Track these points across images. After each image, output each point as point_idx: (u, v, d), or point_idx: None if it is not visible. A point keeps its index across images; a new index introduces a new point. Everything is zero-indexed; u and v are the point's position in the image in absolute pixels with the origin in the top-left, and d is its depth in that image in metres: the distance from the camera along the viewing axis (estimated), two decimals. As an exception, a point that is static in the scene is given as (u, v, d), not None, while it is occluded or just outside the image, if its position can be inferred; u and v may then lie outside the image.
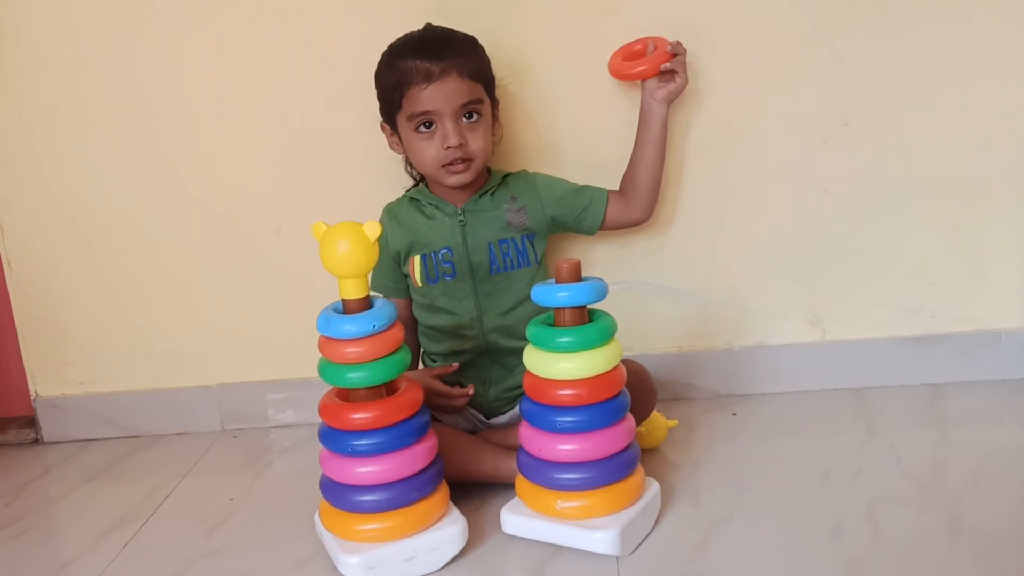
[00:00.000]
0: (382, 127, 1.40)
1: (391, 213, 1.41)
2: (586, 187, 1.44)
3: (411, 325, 1.43)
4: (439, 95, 1.29)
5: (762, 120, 1.49)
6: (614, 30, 1.46)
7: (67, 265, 1.60)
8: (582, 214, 1.42)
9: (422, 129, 1.32)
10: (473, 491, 1.29)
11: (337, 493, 1.16)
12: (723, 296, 1.56)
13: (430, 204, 1.39)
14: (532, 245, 1.39)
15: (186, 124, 1.54)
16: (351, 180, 1.54)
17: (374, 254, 1.13)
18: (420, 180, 1.45)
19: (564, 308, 1.14)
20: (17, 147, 1.56)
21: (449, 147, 1.31)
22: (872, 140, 1.49)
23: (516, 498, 1.20)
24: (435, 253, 1.37)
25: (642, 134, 1.43)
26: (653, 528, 1.20)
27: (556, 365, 1.14)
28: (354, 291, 1.13)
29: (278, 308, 1.59)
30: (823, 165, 1.50)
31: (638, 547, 1.16)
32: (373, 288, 1.40)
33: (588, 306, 1.16)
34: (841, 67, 1.46)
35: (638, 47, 1.43)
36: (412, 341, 1.44)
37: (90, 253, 1.60)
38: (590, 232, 1.44)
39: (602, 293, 1.15)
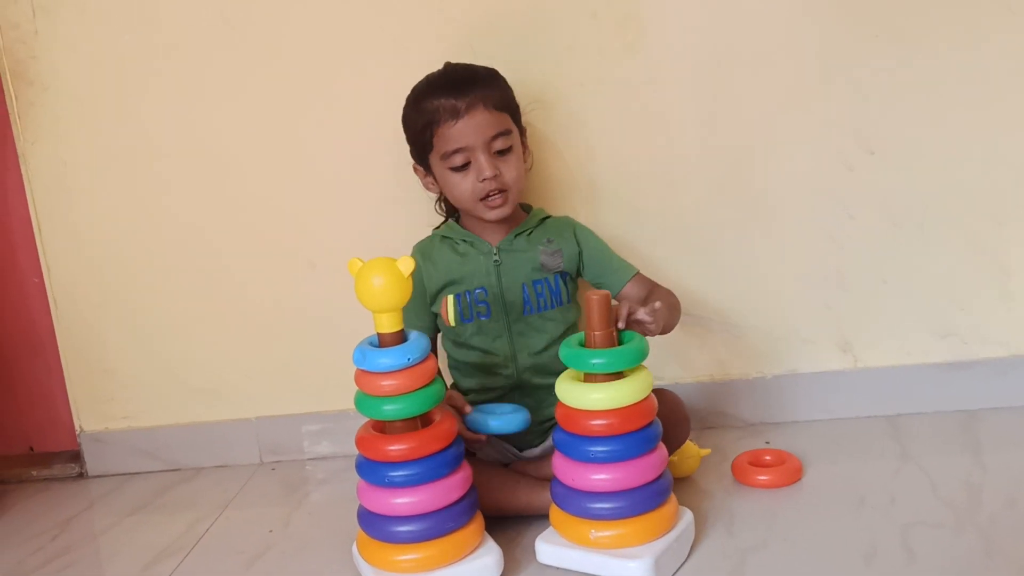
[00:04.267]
0: (415, 169, 1.42)
1: (424, 253, 1.41)
2: (618, 258, 1.43)
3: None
4: (468, 129, 1.31)
5: (786, 148, 1.50)
6: (637, 66, 1.49)
7: (109, 304, 1.64)
8: (603, 277, 1.41)
9: (456, 166, 1.33)
10: (508, 521, 1.30)
11: (374, 524, 1.18)
12: (753, 324, 1.56)
13: (463, 241, 1.39)
14: (565, 285, 1.40)
15: (222, 166, 1.58)
16: (383, 216, 1.56)
17: (408, 289, 1.15)
18: (448, 216, 1.46)
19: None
20: (61, 191, 1.60)
21: (484, 179, 1.32)
22: (897, 166, 1.49)
23: (550, 528, 1.21)
24: (469, 292, 1.37)
25: None
26: (688, 557, 1.20)
27: (588, 395, 1.15)
28: (389, 325, 1.16)
29: (313, 342, 1.62)
30: (849, 191, 1.51)
31: None
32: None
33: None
34: (863, 93, 1.47)
35: None
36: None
37: (131, 292, 1.64)
38: None
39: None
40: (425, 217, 1.51)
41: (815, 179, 1.51)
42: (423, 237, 1.45)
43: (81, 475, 1.70)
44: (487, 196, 1.33)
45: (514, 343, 1.38)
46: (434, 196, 1.46)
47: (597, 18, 1.49)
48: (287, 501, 1.51)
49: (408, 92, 1.38)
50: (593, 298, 1.15)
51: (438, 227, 1.46)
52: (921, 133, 1.48)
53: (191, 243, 1.61)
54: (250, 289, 1.62)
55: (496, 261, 1.38)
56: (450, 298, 1.36)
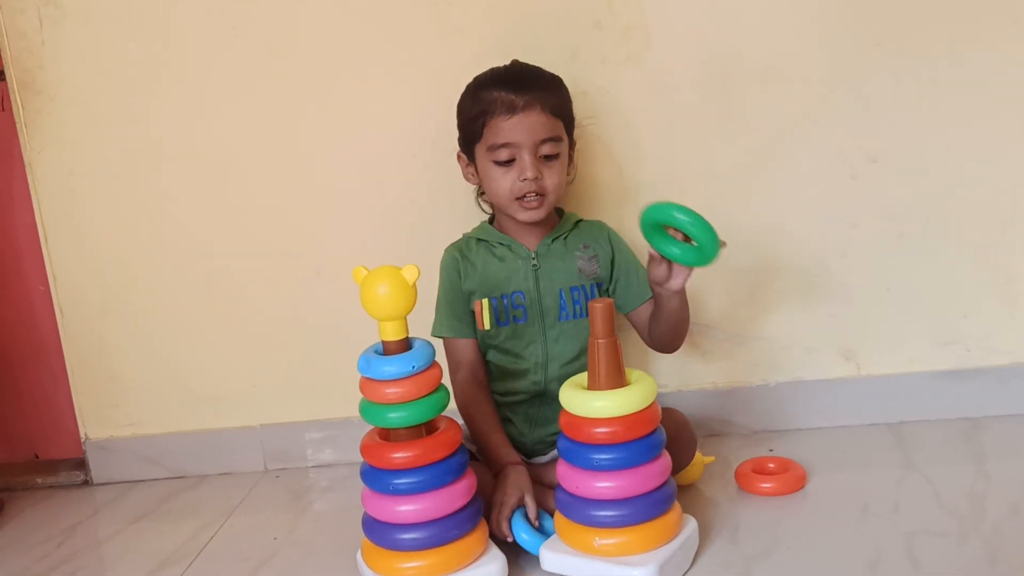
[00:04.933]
0: (458, 157, 1.41)
1: (461, 252, 1.40)
2: (645, 274, 1.40)
3: (485, 380, 1.39)
4: (521, 127, 1.31)
5: (790, 157, 1.51)
6: (642, 76, 1.49)
7: (115, 311, 1.65)
8: (627, 288, 1.41)
9: (500, 160, 1.33)
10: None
11: (379, 531, 1.18)
12: (756, 331, 1.56)
13: (500, 244, 1.39)
14: (600, 295, 1.39)
15: (228, 174, 1.59)
16: (389, 224, 1.57)
17: (413, 297, 1.16)
18: (490, 219, 1.44)
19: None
20: (67, 199, 1.61)
21: (525, 179, 1.31)
22: (901, 175, 1.50)
23: (555, 535, 1.21)
24: (506, 296, 1.37)
25: (658, 311, 1.35)
26: (692, 564, 1.20)
27: (592, 403, 1.15)
28: (393, 333, 1.16)
29: (318, 350, 1.62)
30: (852, 200, 1.51)
31: (677, 583, 1.17)
32: (442, 330, 1.39)
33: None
34: (866, 102, 1.48)
35: None
36: (489, 398, 1.38)
37: (136, 300, 1.64)
38: (619, 310, 1.41)
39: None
40: (432, 225, 1.52)
41: (818, 188, 1.51)
42: (429, 244, 1.44)
43: (86, 482, 1.70)
44: (524, 196, 1.33)
45: (548, 349, 1.37)
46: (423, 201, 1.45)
47: (601, 28, 1.49)
48: (291, 508, 1.52)
49: (425, 97, 1.38)
50: (597, 306, 1.16)
51: (472, 230, 1.43)
52: (924, 142, 1.49)
53: (196, 251, 1.62)
54: (255, 297, 1.62)
55: (535, 265, 1.38)
56: (485, 301, 1.35)
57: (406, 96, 1.43)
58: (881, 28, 1.46)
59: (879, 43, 1.46)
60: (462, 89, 1.39)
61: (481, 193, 1.44)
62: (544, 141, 1.32)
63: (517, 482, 1.25)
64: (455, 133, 1.41)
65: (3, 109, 1.62)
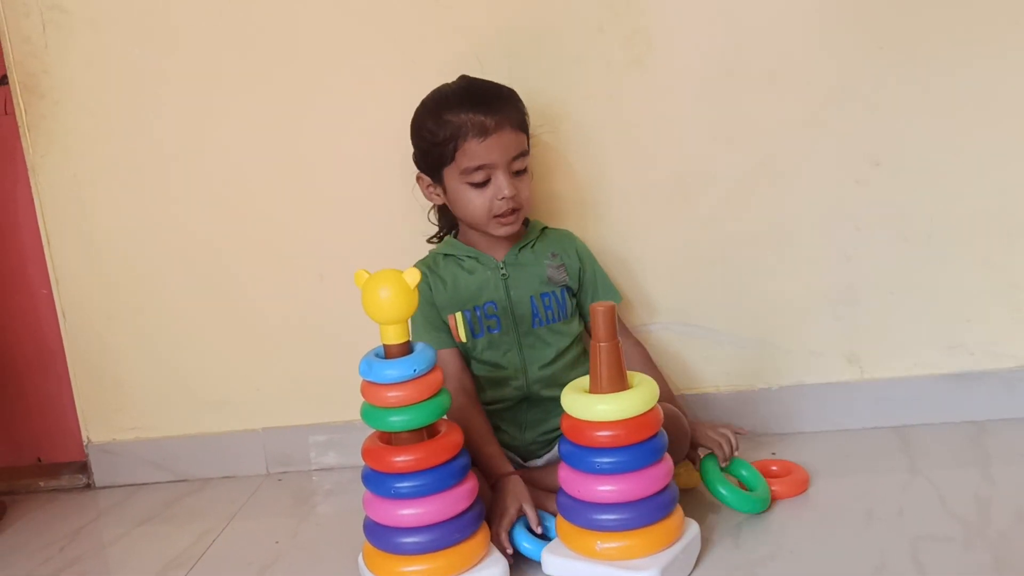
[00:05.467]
0: (418, 178, 1.41)
1: (429, 268, 1.40)
2: (609, 283, 1.46)
3: (474, 390, 1.37)
4: (496, 148, 1.32)
5: (795, 161, 1.50)
6: (645, 81, 1.49)
7: (118, 315, 1.65)
8: (591, 298, 1.42)
9: (476, 182, 1.33)
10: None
11: (380, 535, 1.18)
12: (760, 335, 1.56)
13: (468, 257, 1.40)
14: (570, 298, 1.41)
15: (231, 178, 1.59)
16: (391, 228, 1.56)
17: (414, 300, 1.16)
18: (445, 233, 1.46)
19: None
20: (70, 203, 1.61)
21: (503, 198, 1.32)
22: (905, 178, 1.49)
23: (556, 539, 1.21)
24: (478, 307, 1.37)
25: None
26: (694, 569, 1.19)
27: (594, 407, 1.15)
28: (395, 336, 1.16)
29: (321, 353, 1.62)
30: (856, 204, 1.50)
31: (679, 588, 1.16)
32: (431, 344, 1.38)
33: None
34: (872, 107, 1.47)
35: None
36: (480, 409, 1.36)
37: (139, 304, 1.64)
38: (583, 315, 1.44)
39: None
40: (432, 228, 1.51)
41: (823, 191, 1.51)
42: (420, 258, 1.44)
43: (89, 486, 1.70)
44: (501, 214, 1.34)
45: (524, 355, 1.38)
46: (427, 205, 1.45)
47: (604, 32, 1.49)
48: (294, 512, 1.51)
49: (411, 102, 1.38)
50: (599, 309, 1.15)
51: (436, 245, 1.45)
52: (930, 146, 1.48)
53: (199, 255, 1.62)
54: (258, 300, 1.62)
55: (504, 275, 1.38)
56: (458, 315, 1.36)
57: (408, 99, 1.42)
58: (886, 32, 1.45)
59: (882, 47, 1.46)
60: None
61: (434, 209, 1.45)
62: (516, 158, 1.33)
63: (515, 493, 1.25)
64: None
65: (6, 113, 1.63)
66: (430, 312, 1.38)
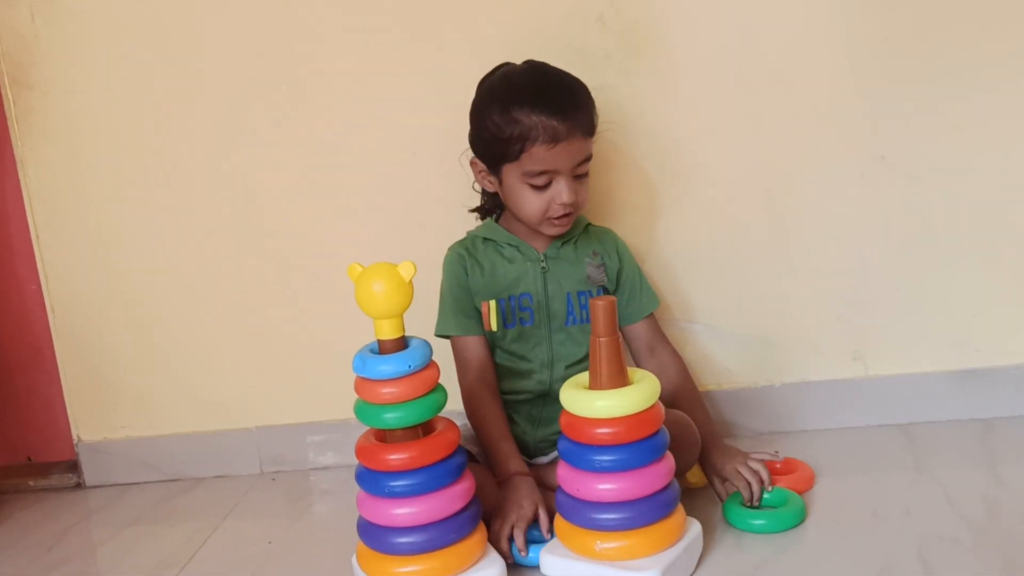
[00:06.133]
0: (472, 163, 1.36)
1: (469, 251, 1.37)
2: (648, 286, 1.42)
3: (495, 383, 1.35)
4: (563, 156, 1.27)
5: (800, 156, 1.48)
6: (646, 73, 1.47)
7: (108, 312, 1.62)
8: (629, 301, 1.40)
9: (538, 185, 1.29)
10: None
11: (374, 535, 1.15)
12: (763, 332, 1.54)
13: (509, 245, 1.37)
14: None
15: (223, 172, 1.56)
16: (387, 226, 1.55)
17: (409, 294, 1.13)
18: (489, 209, 1.42)
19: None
20: (59, 197, 1.59)
21: (563, 203, 1.29)
22: (910, 173, 1.47)
23: (555, 539, 1.19)
24: (513, 297, 1.35)
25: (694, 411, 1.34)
26: (696, 569, 1.17)
27: (593, 403, 1.12)
28: (389, 331, 1.14)
29: (316, 351, 1.60)
30: (861, 199, 1.48)
31: (681, 589, 1.14)
32: (449, 328, 1.36)
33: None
34: (877, 101, 1.45)
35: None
36: (499, 403, 1.34)
37: (131, 300, 1.62)
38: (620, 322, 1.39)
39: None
40: (430, 225, 1.50)
41: (828, 187, 1.49)
42: (427, 244, 1.41)
43: (79, 485, 1.68)
44: (557, 216, 1.31)
45: (553, 352, 1.36)
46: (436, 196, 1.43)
47: (604, 22, 1.47)
48: (288, 512, 1.49)
49: (407, 97, 1.35)
50: (599, 303, 1.13)
51: (476, 228, 1.41)
52: (936, 143, 1.46)
53: (192, 250, 1.60)
54: (252, 296, 1.60)
55: (544, 268, 1.36)
56: (492, 302, 1.33)
57: (406, 93, 1.41)
58: (892, 25, 1.43)
59: (888, 38, 1.43)
60: (462, 85, 1.36)
61: (485, 193, 1.40)
62: (580, 164, 1.30)
63: (531, 494, 1.22)
64: (455, 132, 1.38)
65: (-5, 105, 1.61)
66: (461, 296, 1.35)
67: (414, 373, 1.13)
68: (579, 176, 1.31)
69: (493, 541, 1.20)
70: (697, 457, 1.33)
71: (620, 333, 1.14)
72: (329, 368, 1.56)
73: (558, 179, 1.29)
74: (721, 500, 1.30)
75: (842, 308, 1.52)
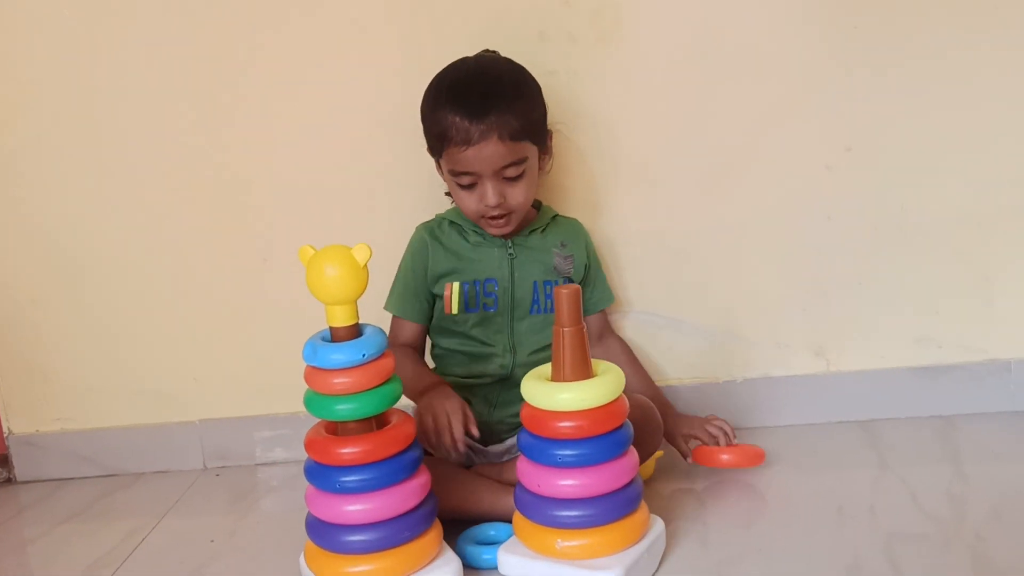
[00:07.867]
0: (429, 151, 1.34)
1: (432, 234, 1.35)
2: (605, 281, 1.44)
3: (420, 349, 1.39)
4: (478, 159, 1.24)
5: (764, 148, 1.46)
6: (613, 58, 1.44)
7: (43, 298, 1.56)
8: (590, 295, 1.41)
9: (463, 184, 1.27)
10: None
11: (324, 533, 1.10)
12: (725, 327, 1.51)
13: (475, 232, 1.34)
14: None
15: (169, 154, 1.50)
16: (340, 207, 1.50)
17: (364, 279, 1.08)
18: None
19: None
20: (-3, 180, 1.52)
21: (488, 205, 1.27)
22: (877, 167, 1.45)
23: (514, 537, 1.15)
24: (478, 282, 1.32)
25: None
26: (658, 568, 1.14)
27: (556, 395, 1.08)
28: (342, 318, 1.08)
29: (264, 340, 1.54)
30: (827, 192, 1.46)
31: (643, 588, 1.10)
32: (392, 307, 1.36)
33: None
34: (845, 93, 1.43)
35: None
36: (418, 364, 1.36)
37: (69, 288, 1.56)
38: None
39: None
40: (386, 209, 1.46)
41: (793, 179, 1.47)
42: (383, 229, 1.38)
43: (9, 480, 1.61)
44: (492, 216, 1.29)
45: (515, 340, 1.34)
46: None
47: (570, 5, 1.43)
48: (232, 509, 1.44)
49: (362, 78, 1.33)
50: (563, 292, 1.09)
51: (446, 211, 1.39)
52: (902, 134, 1.44)
53: (132, 235, 1.53)
54: (196, 282, 1.54)
55: (511, 255, 1.33)
56: (456, 285, 1.31)
57: (362, 76, 1.36)
58: (861, 13, 1.41)
59: (857, 27, 1.41)
60: (422, 68, 1.32)
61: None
62: (505, 167, 1.26)
63: (454, 395, 1.23)
64: (411, 113, 1.33)
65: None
66: (412, 281, 1.34)
67: (368, 363, 1.07)
68: (510, 178, 1.27)
69: (434, 439, 1.19)
70: (660, 442, 1.32)
71: (585, 324, 1.10)
72: (278, 357, 1.51)
73: (482, 181, 1.26)
74: (685, 458, 1.35)
75: (805, 303, 1.50)
